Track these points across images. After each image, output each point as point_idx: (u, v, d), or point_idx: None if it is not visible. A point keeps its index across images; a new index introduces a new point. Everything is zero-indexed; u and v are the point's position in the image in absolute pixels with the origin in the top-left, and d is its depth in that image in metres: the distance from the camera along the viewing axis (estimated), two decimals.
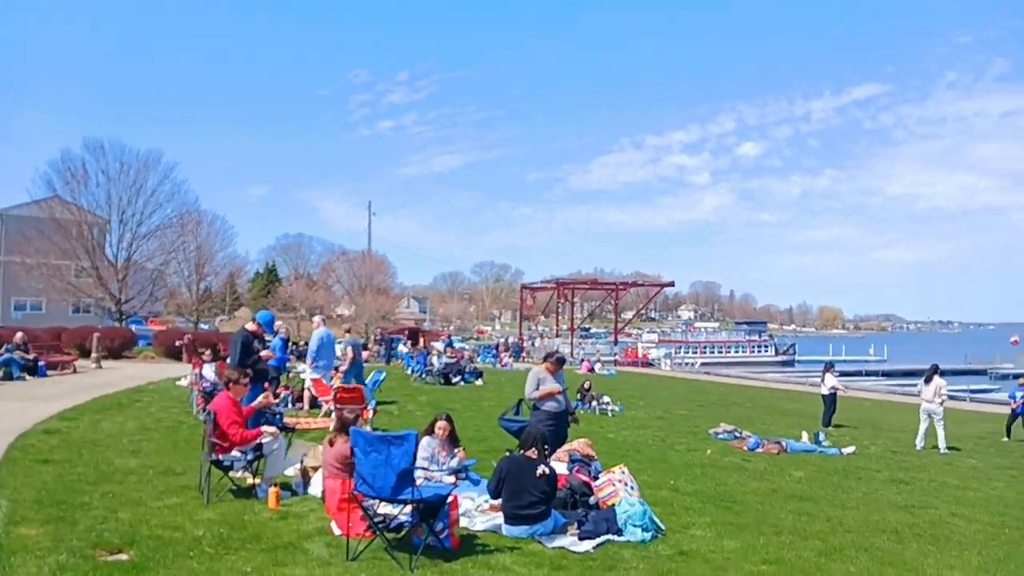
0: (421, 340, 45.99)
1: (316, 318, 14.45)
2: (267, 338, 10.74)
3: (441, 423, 8.20)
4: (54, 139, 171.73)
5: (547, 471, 6.75)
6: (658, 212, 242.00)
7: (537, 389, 9.11)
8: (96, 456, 9.23)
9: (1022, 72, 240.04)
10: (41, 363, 20.24)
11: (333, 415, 12.68)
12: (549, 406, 9.08)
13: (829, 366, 19.08)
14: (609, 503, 7.47)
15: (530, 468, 6.72)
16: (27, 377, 19.27)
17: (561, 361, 9.40)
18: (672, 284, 62.19)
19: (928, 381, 15.31)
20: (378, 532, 5.98)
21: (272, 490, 7.38)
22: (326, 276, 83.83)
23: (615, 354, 52.20)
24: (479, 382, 24.66)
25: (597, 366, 39.29)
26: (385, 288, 71.37)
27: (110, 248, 37.16)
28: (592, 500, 7.64)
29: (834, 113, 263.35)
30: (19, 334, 20.33)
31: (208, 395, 13.33)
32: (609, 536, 6.60)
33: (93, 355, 24.16)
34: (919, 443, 15.04)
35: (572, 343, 53.70)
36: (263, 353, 10.10)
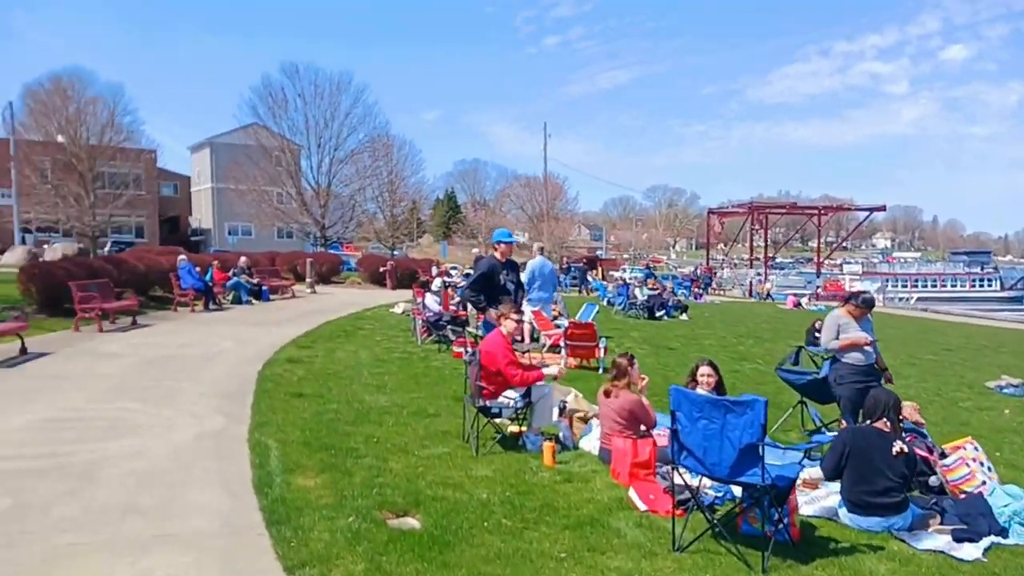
0: (600, 269, 44.92)
1: (535, 245, 13.53)
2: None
3: (704, 370, 6.79)
4: (247, 67, 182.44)
5: (905, 449, 5.32)
6: (847, 127, 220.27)
7: (837, 338, 7.57)
8: (345, 391, 8.87)
9: None
10: (264, 287, 21.12)
11: (563, 352, 11.83)
12: (853, 358, 7.53)
13: None
14: (962, 488, 5.93)
15: (883, 444, 5.31)
16: (253, 301, 20.16)
17: (869, 304, 7.74)
18: (883, 208, 55.90)
19: None
20: (707, 519, 4.87)
21: (547, 445, 6.51)
22: (501, 202, 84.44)
23: (816, 287, 48.32)
24: (684, 317, 23.16)
25: (804, 301, 36.25)
26: (563, 215, 70.64)
27: (311, 173, 38.67)
28: (933, 481, 6.13)
29: None
30: (243, 259, 21.28)
31: (432, 325, 12.91)
32: (993, 538, 5.10)
33: (307, 280, 25.13)
34: None
35: (765, 274, 50.27)
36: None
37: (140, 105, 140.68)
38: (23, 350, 10.68)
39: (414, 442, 6.84)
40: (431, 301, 13.29)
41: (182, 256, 18.65)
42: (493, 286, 9.10)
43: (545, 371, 7.07)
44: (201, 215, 63.06)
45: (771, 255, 60.99)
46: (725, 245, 64.07)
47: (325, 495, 5.36)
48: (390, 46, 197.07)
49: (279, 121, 38.48)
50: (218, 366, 10.42)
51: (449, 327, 12.39)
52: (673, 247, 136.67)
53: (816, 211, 52.18)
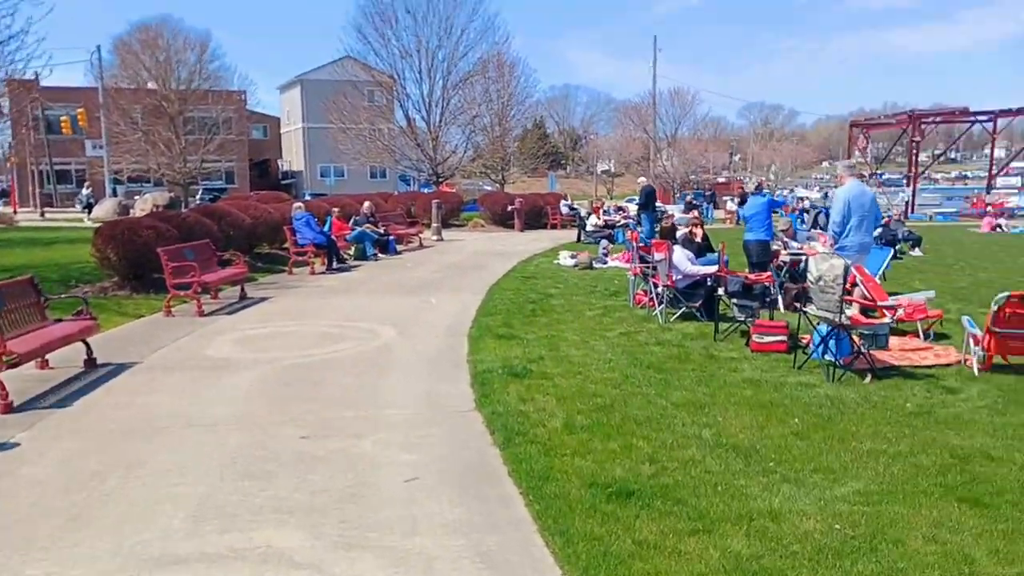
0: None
1: (840, 166, 8.68)
2: None
3: None
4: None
5: None
6: (959, 29, 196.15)
7: None
8: (695, 470, 4.45)
9: None
10: (391, 237, 17.05)
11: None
12: None
13: None
14: None
15: None
16: (379, 255, 16.10)
17: None
18: None
19: None
20: None
21: None
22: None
23: (964, 206, 41.40)
24: (917, 252, 17.70)
25: (1003, 222, 29.79)
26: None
27: (422, 103, 33.84)
28: None
29: None
30: (367, 204, 17.16)
31: (683, 294, 8.42)
32: None
33: (433, 225, 20.97)
34: None
35: (914, 193, 42.91)
36: None
37: (229, 48, 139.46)
38: (89, 360, 6.77)
39: None
40: (682, 258, 8.63)
41: (298, 204, 14.64)
42: None
43: None
44: (292, 157, 59.98)
45: (879, 171, 52.77)
46: (875, 162, 54.57)
47: None
48: None
49: (388, 44, 33.14)
50: (397, 381, 6.26)
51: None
52: (769, 169, 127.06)
53: (991, 115, 43.75)
